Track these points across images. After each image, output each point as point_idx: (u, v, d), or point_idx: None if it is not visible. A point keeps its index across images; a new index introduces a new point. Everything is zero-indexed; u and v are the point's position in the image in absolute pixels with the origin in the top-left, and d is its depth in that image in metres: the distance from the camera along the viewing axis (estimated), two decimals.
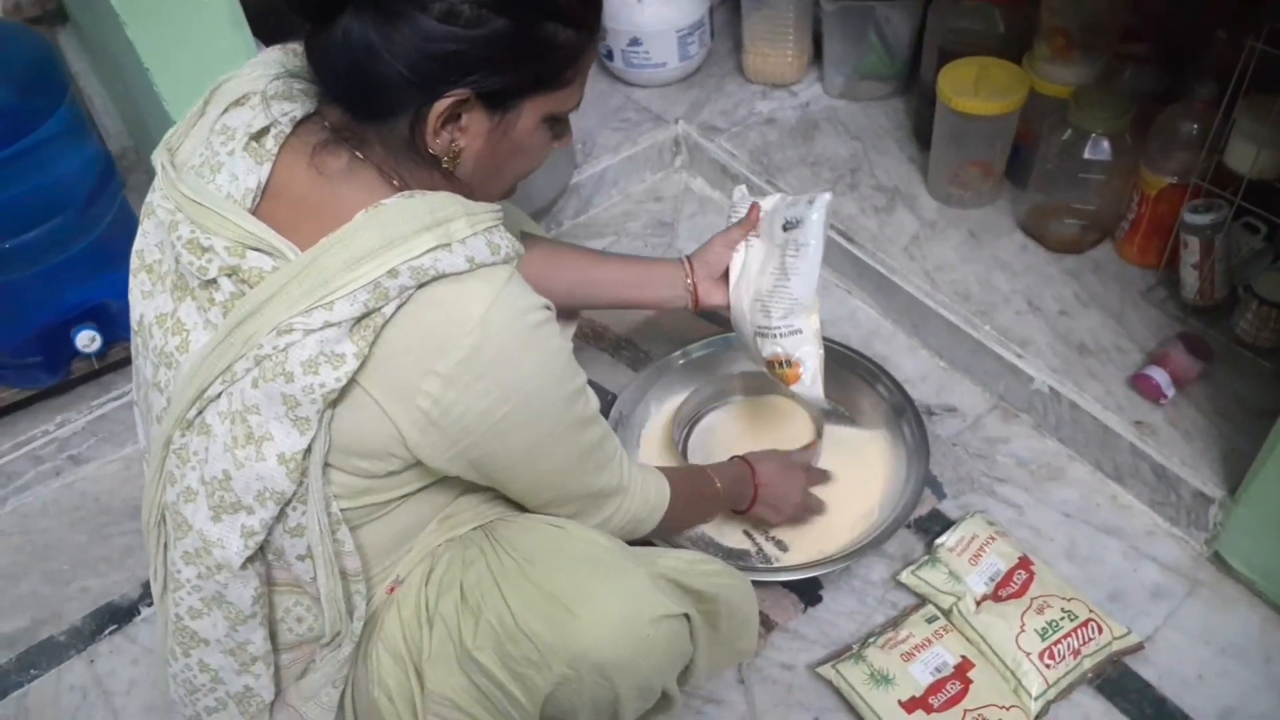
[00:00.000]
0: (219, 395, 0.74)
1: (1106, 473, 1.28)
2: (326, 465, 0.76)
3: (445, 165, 0.77)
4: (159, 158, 0.80)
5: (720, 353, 1.38)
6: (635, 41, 1.73)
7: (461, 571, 0.87)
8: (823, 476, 1.26)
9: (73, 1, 1.74)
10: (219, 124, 0.79)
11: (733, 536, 1.23)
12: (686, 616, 0.88)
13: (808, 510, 1.21)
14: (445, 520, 0.92)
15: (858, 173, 1.61)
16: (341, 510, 0.79)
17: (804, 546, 1.21)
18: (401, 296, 0.71)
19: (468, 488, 0.91)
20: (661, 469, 1.02)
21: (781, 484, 1.17)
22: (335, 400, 0.73)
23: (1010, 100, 1.38)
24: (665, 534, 1.10)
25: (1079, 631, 1.09)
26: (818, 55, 1.77)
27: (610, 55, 1.79)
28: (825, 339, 1.32)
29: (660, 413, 1.36)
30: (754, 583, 1.15)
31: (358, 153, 0.76)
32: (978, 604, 1.13)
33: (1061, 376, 1.29)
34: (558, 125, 0.83)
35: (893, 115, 1.71)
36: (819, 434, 1.27)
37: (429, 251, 0.72)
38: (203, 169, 0.77)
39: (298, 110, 0.78)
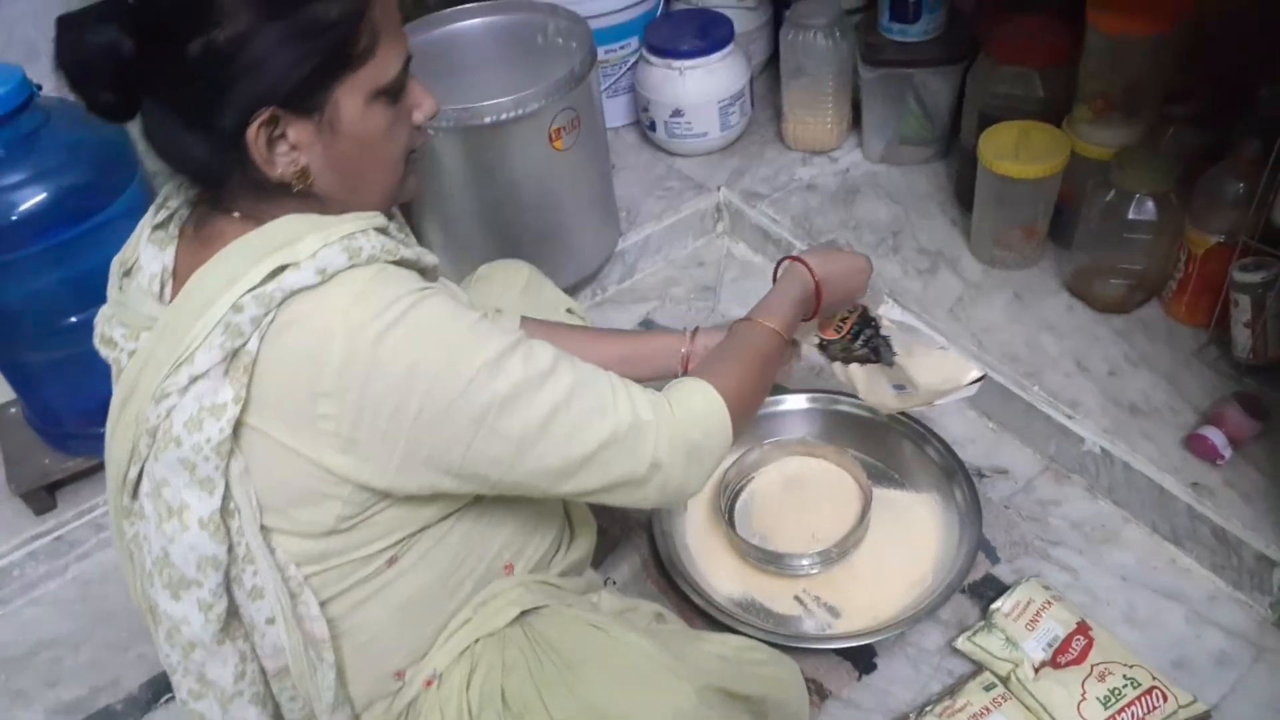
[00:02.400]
0: (139, 477, 0.74)
1: (1164, 535, 1.25)
2: (268, 529, 0.75)
3: (299, 189, 0.74)
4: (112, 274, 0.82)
5: (766, 415, 1.38)
6: (677, 113, 1.77)
7: (503, 676, 0.85)
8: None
9: None
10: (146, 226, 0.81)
11: (784, 602, 1.22)
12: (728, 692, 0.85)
13: (860, 272, 1.08)
14: (481, 607, 0.89)
15: (900, 235, 1.63)
16: (307, 576, 0.78)
17: (857, 612, 1.19)
18: (260, 327, 0.70)
19: (477, 553, 0.88)
20: (700, 368, 0.91)
21: (842, 271, 1.05)
22: (230, 450, 0.71)
23: (1052, 163, 1.39)
24: (751, 417, 0.95)
25: (1143, 700, 1.06)
26: (857, 122, 1.79)
27: (653, 126, 1.83)
28: None
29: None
30: (806, 650, 1.14)
31: (234, 212, 0.75)
32: (1036, 671, 1.10)
33: (1114, 437, 1.28)
34: (392, 96, 0.76)
35: (933, 179, 1.72)
36: (867, 495, 1.27)
37: (272, 275, 0.70)
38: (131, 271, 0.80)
39: (192, 193, 0.80)
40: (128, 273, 0.80)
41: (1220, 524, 1.18)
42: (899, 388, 1.13)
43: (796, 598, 1.23)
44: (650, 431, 0.81)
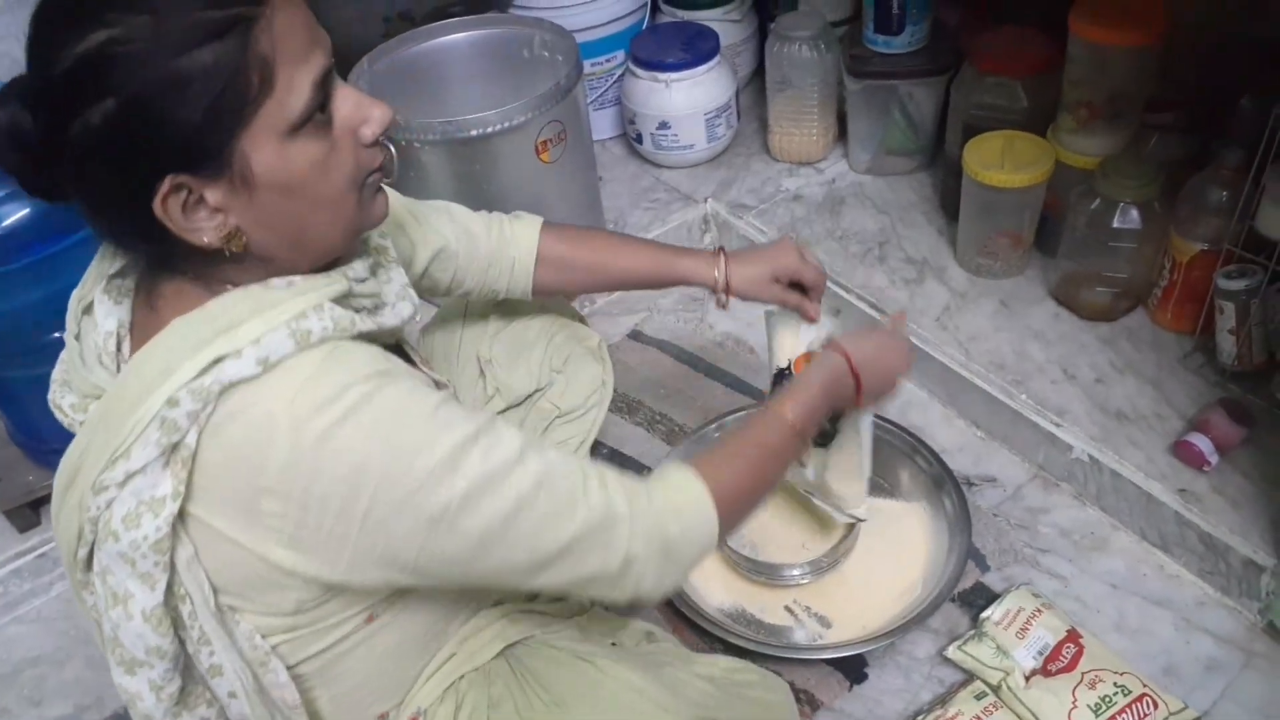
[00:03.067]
0: (88, 556, 0.71)
1: (1152, 542, 1.26)
2: (230, 608, 0.72)
3: (231, 252, 0.66)
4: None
5: None
6: (664, 125, 1.78)
7: (489, 712, 0.83)
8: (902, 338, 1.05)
9: None
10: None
11: (775, 613, 1.22)
12: None
13: (904, 362, 1.02)
14: (465, 642, 0.87)
15: (886, 245, 1.63)
16: (276, 645, 0.74)
17: (847, 622, 1.19)
18: (198, 421, 0.65)
19: (468, 594, 0.86)
20: (698, 457, 0.83)
21: (881, 353, 0.99)
22: (172, 544, 0.67)
23: (1037, 172, 1.40)
24: (744, 516, 0.88)
25: (1134, 707, 1.06)
26: (842, 133, 1.80)
27: (640, 138, 1.83)
28: None
29: None
30: (797, 660, 1.14)
31: (186, 272, 0.70)
32: (1027, 679, 1.10)
33: (1101, 445, 1.28)
34: (315, 126, 0.66)
35: (919, 189, 1.73)
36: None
37: (209, 367, 0.64)
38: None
39: None
40: (87, 310, 0.74)
41: (1208, 530, 1.18)
42: (803, 466, 1.16)
43: (787, 608, 1.22)
44: (624, 525, 0.74)
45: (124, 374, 0.68)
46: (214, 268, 0.69)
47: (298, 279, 0.70)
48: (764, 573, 1.23)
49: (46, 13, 0.62)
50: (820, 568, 1.22)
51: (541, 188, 1.48)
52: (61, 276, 1.22)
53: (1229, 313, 1.25)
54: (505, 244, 1.06)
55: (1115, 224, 1.33)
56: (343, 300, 0.72)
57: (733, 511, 0.81)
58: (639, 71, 1.77)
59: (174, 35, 0.60)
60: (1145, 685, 1.08)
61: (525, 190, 1.47)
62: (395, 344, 0.87)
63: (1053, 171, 1.40)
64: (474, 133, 1.37)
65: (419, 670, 0.87)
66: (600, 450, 1.44)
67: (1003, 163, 1.41)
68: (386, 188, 0.79)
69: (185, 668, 0.73)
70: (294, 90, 0.64)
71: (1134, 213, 1.32)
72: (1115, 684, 1.08)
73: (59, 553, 0.75)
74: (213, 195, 0.64)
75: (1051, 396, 1.35)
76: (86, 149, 0.61)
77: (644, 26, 1.86)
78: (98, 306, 0.72)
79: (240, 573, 0.70)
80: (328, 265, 0.74)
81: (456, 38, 1.54)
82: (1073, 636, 1.13)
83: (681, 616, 1.19)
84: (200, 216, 0.65)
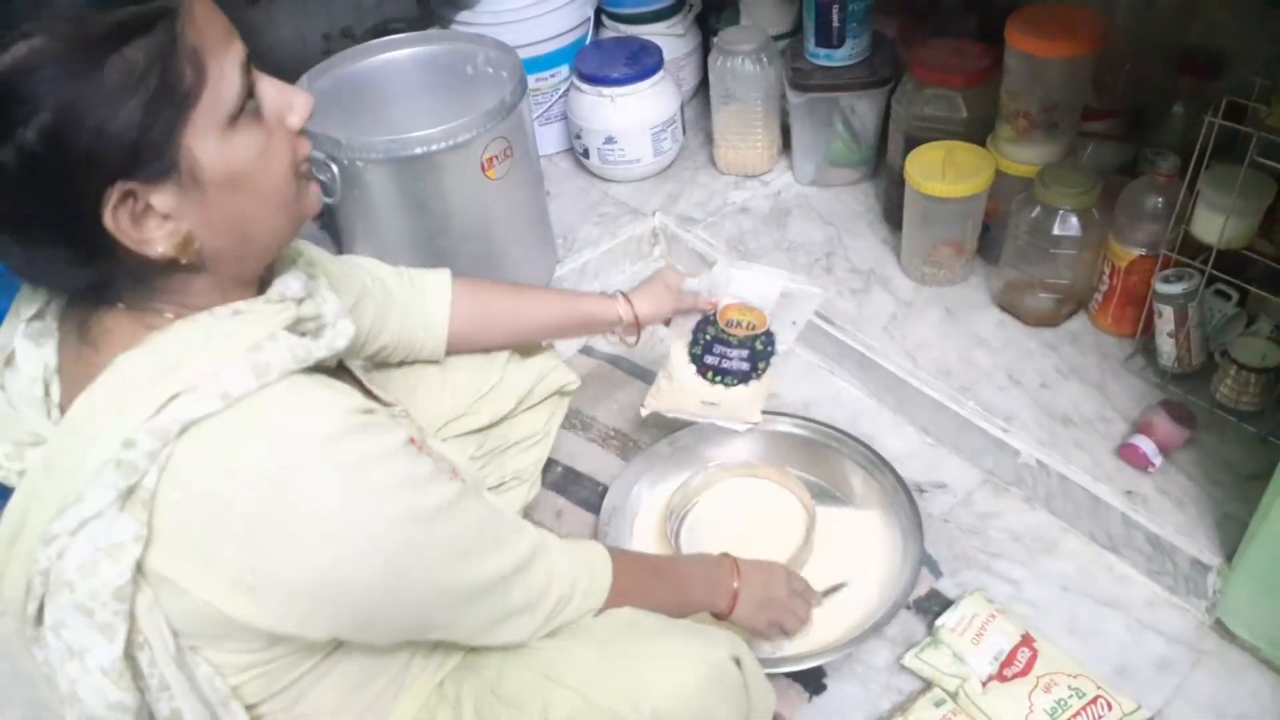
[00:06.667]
0: (38, 610, 0.66)
1: (1101, 544, 1.27)
2: (191, 649, 0.69)
3: (186, 261, 0.64)
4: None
5: (708, 438, 1.38)
6: (610, 140, 1.77)
7: (490, 699, 0.82)
8: (809, 591, 1.15)
9: None
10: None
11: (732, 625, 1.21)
12: (736, 661, 0.86)
13: (793, 614, 1.10)
14: (430, 657, 0.86)
15: (832, 256, 1.64)
16: (237, 686, 0.72)
17: (805, 633, 1.19)
18: (159, 460, 0.62)
19: None
20: (618, 549, 0.97)
21: (766, 579, 1.08)
22: (131, 593, 0.64)
23: (977, 181, 1.41)
24: (631, 603, 0.95)
25: (1088, 709, 1.07)
26: (787, 145, 1.81)
27: (586, 153, 1.83)
28: (812, 420, 1.34)
29: (653, 500, 1.36)
30: None
31: (119, 303, 0.67)
32: (984, 685, 1.11)
33: (1048, 449, 1.30)
34: (249, 113, 0.65)
35: (863, 199, 1.75)
36: (811, 514, 1.27)
37: (166, 404, 0.62)
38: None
39: None
40: (8, 362, 0.70)
41: (1154, 531, 1.20)
42: (708, 404, 1.21)
43: None
44: (543, 558, 0.82)
45: (70, 417, 0.65)
46: (152, 292, 0.67)
47: (243, 305, 0.68)
48: None
49: None
50: None
51: (489, 205, 1.47)
52: None
53: (1168, 316, 1.27)
54: (419, 294, 1.08)
55: (1055, 231, 1.36)
56: (293, 327, 0.70)
57: (621, 594, 0.89)
58: (584, 86, 1.77)
59: (99, 36, 0.58)
60: (1099, 687, 1.09)
61: (472, 208, 1.46)
62: (338, 363, 0.85)
63: (993, 181, 1.42)
64: (418, 150, 1.35)
65: (397, 690, 0.84)
66: (554, 468, 1.43)
67: (944, 173, 1.43)
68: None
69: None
70: (224, 78, 0.63)
71: (1073, 220, 1.35)
72: (1070, 687, 1.09)
73: (6, 612, 0.70)
74: (161, 200, 0.62)
75: (998, 402, 1.37)
76: (21, 172, 0.58)
77: (587, 41, 1.86)
78: (19, 353, 0.69)
79: (194, 618, 0.67)
80: (263, 281, 0.73)
81: (399, 55, 1.53)
82: (1027, 641, 1.14)
83: None
84: (151, 225, 0.62)
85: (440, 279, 1.10)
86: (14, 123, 0.57)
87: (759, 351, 1.22)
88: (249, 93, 0.65)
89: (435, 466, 0.73)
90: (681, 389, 1.23)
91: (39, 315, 0.70)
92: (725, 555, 1.07)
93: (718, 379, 1.22)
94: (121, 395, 0.63)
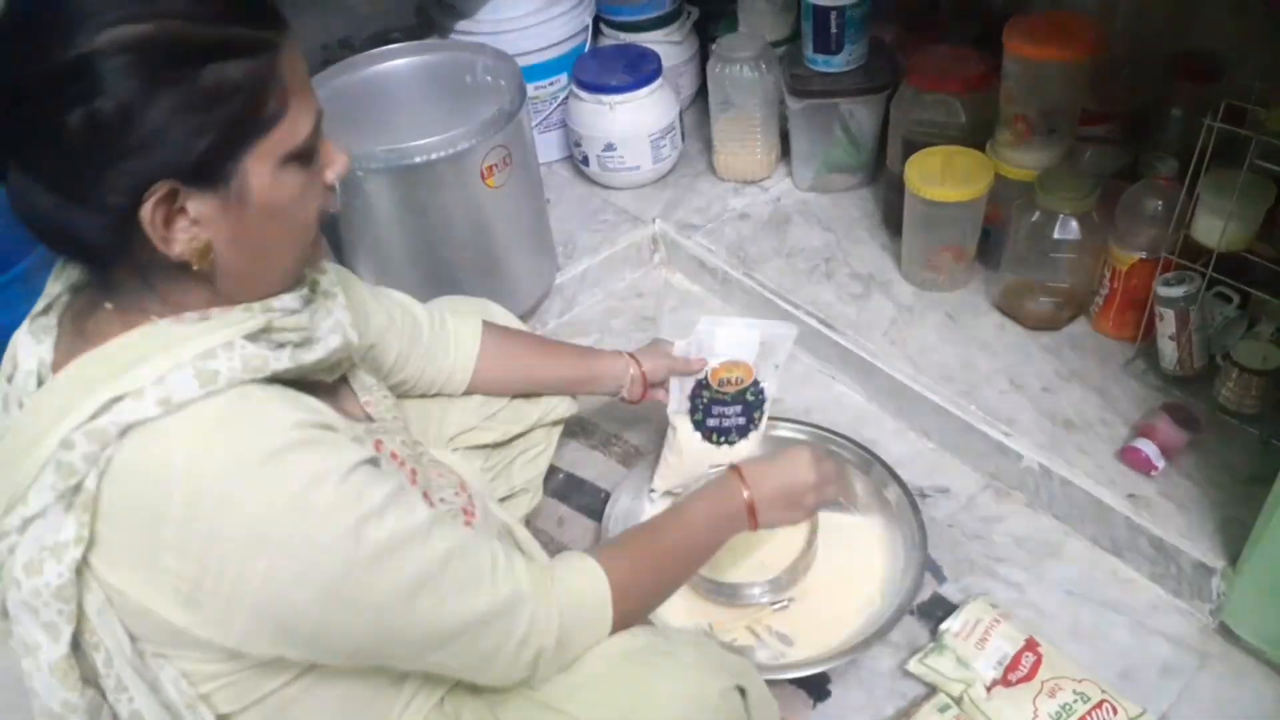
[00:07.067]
0: (4, 605, 0.68)
1: (1104, 547, 1.27)
2: (154, 654, 0.68)
3: (198, 268, 0.66)
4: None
5: None
6: (609, 147, 1.78)
7: (495, 710, 0.81)
8: (830, 459, 1.08)
9: None
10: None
11: (736, 631, 1.21)
12: (741, 690, 0.85)
13: (824, 490, 1.05)
14: (427, 683, 0.83)
15: (832, 261, 1.64)
16: (206, 693, 0.71)
17: (809, 639, 1.19)
18: (98, 464, 0.62)
19: None
20: (606, 547, 0.90)
21: (781, 472, 1.02)
22: (77, 592, 0.64)
23: (977, 186, 1.42)
24: (643, 611, 0.93)
25: (1093, 714, 1.07)
26: (786, 151, 1.81)
27: (586, 160, 1.83)
28: (813, 425, 1.36)
29: (656, 507, 1.35)
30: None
31: (107, 303, 0.68)
32: (988, 690, 1.11)
33: (1050, 453, 1.30)
34: (305, 159, 0.69)
35: (862, 205, 1.75)
36: (814, 519, 1.26)
37: (104, 408, 0.62)
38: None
39: (76, 276, 0.72)
40: (9, 379, 0.71)
41: (1158, 534, 1.20)
42: (717, 466, 1.24)
43: (748, 627, 1.22)
44: (527, 609, 0.76)
45: (22, 414, 0.66)
46: (150, 292, 0.67)
47: (214, 312, 0.69)
48: (723, 593, 1.22)
49: None
50: (779, 585, 1.21)
51: (488, 213, 1.47)
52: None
53: (1169, 319, 1.27)
54: (448, 337, 1.09)
55: (1055, 235, 1.36)
56: (258, 336, 0.69)
57: (630, 609, 0.85)
58: (582, 94, 1.77)
59: (205, 43, 0.61)
60: (1104, 691, 1.09)
61: (472, 216, 1.46)
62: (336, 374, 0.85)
63: (993, 185, 1.43)
64: (418, 159, 1.35)
65: (395, 702, 0.82)
66: (556, 475, 1.43)
67: (943, 178, 1.43)
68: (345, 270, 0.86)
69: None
70: (299, 121, 0.67)
71: (1073, 224, 1.35)
72: (1075, 691, 1.09)
73: None
74: (196, 207, 0.64)
75: (1000, 406, 1.37)
76: (83, 137, 0.59)
77: (586, 49, 1.86)
78: (20, 347, 0.70)
79: (144, 624, 0.67)
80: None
81: (398, 64, 1.53)
82: (1031, 645, 1.14)
83: None
84: (178, 226, 0.64)
85: (471, 328, 1.11)
86: (96, 92, 0.59)
87: (752, 403, 1.26)
88: (313, 144, 0.69)
89: (400, 492, 0.70)
90: (693, 460, 1.27)
91: (44, 311, 0.72)
92: (732, 469, 1.01)
93: (721, 439, 1.26)
94: (68, 395, 0.63)
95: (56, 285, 0.73)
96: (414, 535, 0.70)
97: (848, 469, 1.20)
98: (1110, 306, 1.39)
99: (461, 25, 1.79)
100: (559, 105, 1.87)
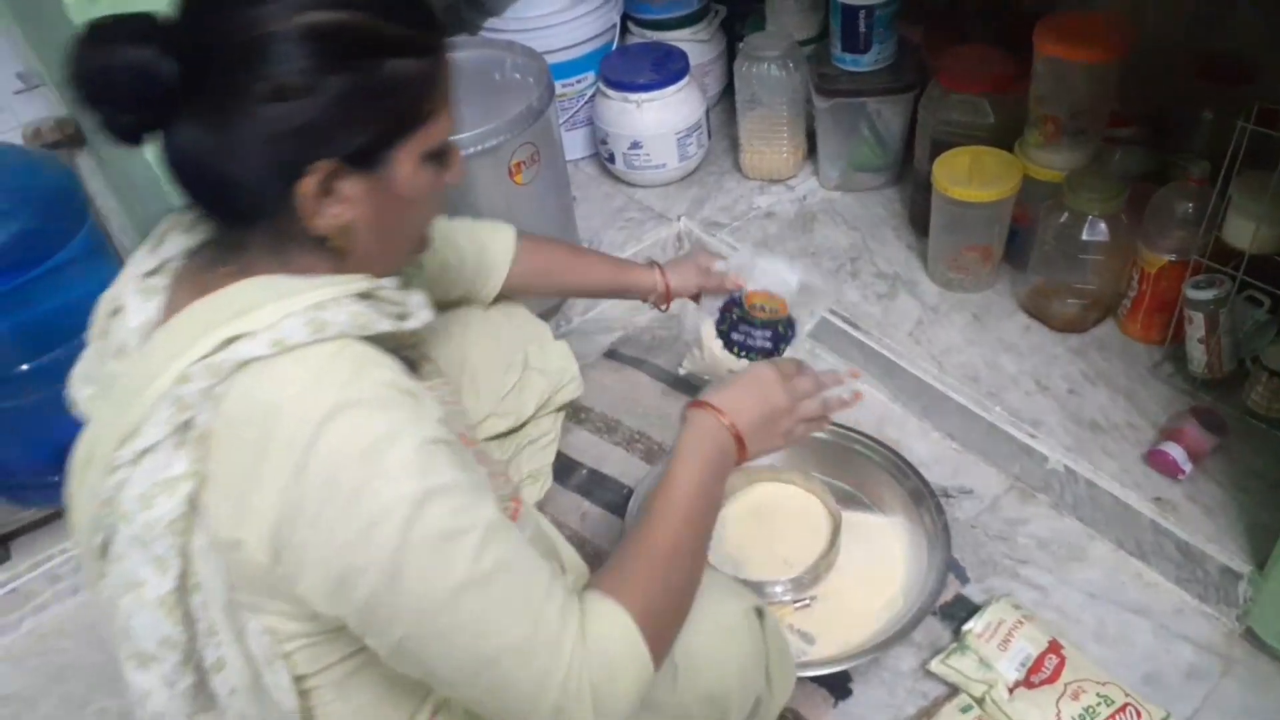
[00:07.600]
0: (103, 544, 0.69)
1: (1129, 551, 1.27)
2: (244, 605, 0.69)
3: (333, 245, 0.71)
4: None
5: None
6: (635, 145, 1.78)
7: None
8: (807, 374, 0.96)
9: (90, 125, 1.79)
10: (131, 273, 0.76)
11: None
12: (759, 612, 0.89)
13: (803, 412, 0.94)
14: None
15: (858, 261, 1.64)
16: (289, 652, 0.72)
17: (831, 638, 1.19)
18: (213, 399, 0.65)
19: None
20: (610, 579, 0.75)
21: (754, 392, 0.91)
22: (188, 526, 0.66)
23: (1005, 187, 1.41)
24: (674, 633, 0.79)
25: (1117, 717, 1.07)
26: (812, 150, 1.81)
27: (612, 158, 1.83)
28: (836, 424, 1.35)
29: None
30: None
31: (228, 265, 0.71)
32: (1010, 691, 1.11)
33: (1076, 455, 1.29)
34: (440, 159, 0.75)
35: (888, 205, 1.75)
36: (836, 519, 1.27)
37: (221, 345, 0.65)
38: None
39: (191, 241, 0.75)
40: (116, 313, 0.75)
41: (1184, 538, 1.19)
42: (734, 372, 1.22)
43: None
44: (563, 665, 0.67)
45: (138, 354, 0.69)
46: (286, 255, 0.71)
47: (321, 274, 0.72)
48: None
49: None
50: (802, 584, 1.22)
51: (515, 209, 1.48)
52: (27, 308, 1.22)
53: (1198, 322, 1.26)
54: (482, 253, 1.14)
55: (1083, 237, 1.35)
56: (363, 297, 0.73)
57: (662, 638, 0.75)
58: (610, 92, 1.78)
59: (392, 39, 0.67)
60: (1128, 695, 1.09)
61: (499, 212, 1.46)
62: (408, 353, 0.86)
63: (1020, 186, 1.42)
64: None
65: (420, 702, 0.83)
66: (579, 471, 1.44)
67: (971, 178, 1.42)
68: None
69: (197, 667, 0.71)
70: (445, 121, 0.73)
71: (1101, 225, 1.34)
72: (1098, 694, 1.09)
73: (77, 547, 0.74)
74: (349, 187, 0.69)
75: (1025, 408, 1.36)
76: (262, 111, 0.64)
77: (613, 47, 1.87)
78: (129, 306, 0.73)
79: (242, 571, 0.68)
80: None
81: None
82: (1054, 647, 1.13)
83: None
84: (329, 203, 0.69)
85: (505, 242, 1.16)
86: (287, 68, 0.64)
87: (781, 334, 1.24)
88: (450, 146, 0.76)
89: (474, 488, 0.68)
90: (712, 357, 1.27)
91: (154, 273, 0.75)
92: (697, 404, 0.89)
93: (743, 354, 1.26)
94: (186, 335, 0.67)
95: (168, 247, 0.75)
96: (474, 527, 0.67)
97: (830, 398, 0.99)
98: (1138, 309, 1.38)
99: (491, 23, 1.80)
100: (586, 103, 1.88)
